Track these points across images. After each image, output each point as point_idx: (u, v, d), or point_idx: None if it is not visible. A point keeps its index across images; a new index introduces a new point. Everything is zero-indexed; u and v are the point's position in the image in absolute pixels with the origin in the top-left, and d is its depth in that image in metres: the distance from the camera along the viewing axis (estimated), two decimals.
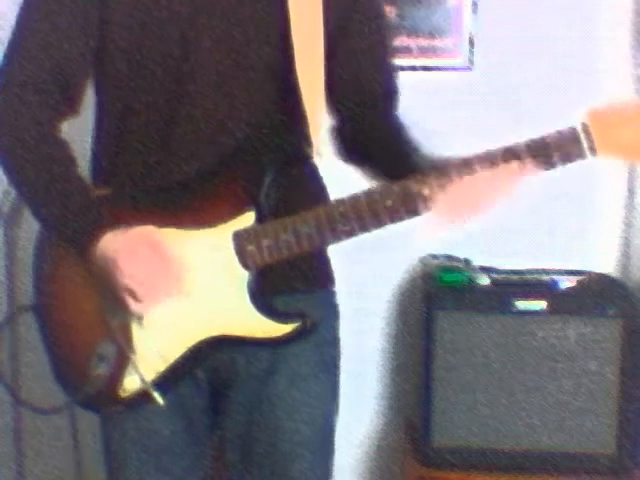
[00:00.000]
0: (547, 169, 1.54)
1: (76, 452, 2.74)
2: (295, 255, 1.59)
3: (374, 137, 1.73)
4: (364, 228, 1.57)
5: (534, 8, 2.83)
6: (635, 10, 2.86)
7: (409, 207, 1.56)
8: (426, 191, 1.55)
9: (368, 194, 1.57)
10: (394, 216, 1.56)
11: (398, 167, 1.62)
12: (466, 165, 1.54)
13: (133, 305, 1.56)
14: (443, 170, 1.55)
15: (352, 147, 1.75)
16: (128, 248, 1.54)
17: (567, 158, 1.53)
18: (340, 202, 1.59)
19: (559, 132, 1.53)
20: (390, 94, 1.78)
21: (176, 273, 1.57)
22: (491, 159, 1.53)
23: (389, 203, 1.56)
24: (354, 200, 1.57)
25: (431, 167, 1.57)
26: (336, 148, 1.77)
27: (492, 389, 2.65)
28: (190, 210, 1.62)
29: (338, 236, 1.58)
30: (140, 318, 1.60)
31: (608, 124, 1.51)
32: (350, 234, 1.58)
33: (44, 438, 2.86)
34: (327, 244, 1.62)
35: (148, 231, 1.57)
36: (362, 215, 1.56)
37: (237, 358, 1.70)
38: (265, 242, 1.59)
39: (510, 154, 1.53)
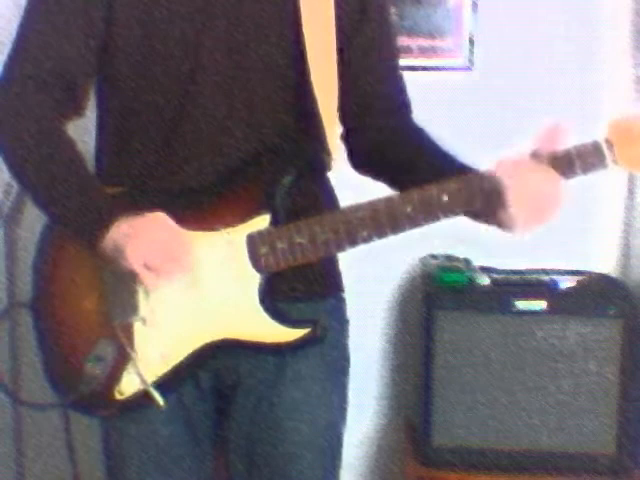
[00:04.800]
0: (567, 178, 1.55)
1: (71, 452, 2.73)
2: (309, 260, 1.58)
3: (389, 145, 1.72)
4: (382, 234, 1.56)
5: (534, 8, 2.83)
6: (635, 10, 2.86)
7: (429, 214, 1.55)
8: (445, 198, 1.55)
9: (387, 200, 1.56)
10: (413, 223, 1.56)
11: (419, 175, 1.61)
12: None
13: (146, 276, 1.52)
14: (466, 175, 1.55)
15: (364, 156, 1.74)
16: (141, 225, 1.53)
17: (589, 168, 1.55)
18: (358, 207, 1.57)
19: (582, 145, 1.55)
20: (401, 99, 1.78)
21: (187, 250, 1.54)
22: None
23: (409, 210, 1.55)
24: (372, 206, 1.56)
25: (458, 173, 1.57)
26: (347, 157, 1.77)
27: (492, 389, 2.65)
28: (204, 212, 1.61)
29: (354, 241, 1.56)
30: (144, 318, 1.60)
31: (630, 138, 1.53)
32: (367, 240, 1.56)
33: (44, 438, 2.85)
34: (343, 249, 1.59)
35: (159, 214, 1.55)
36: (380, 221, 1.55)
37: (242, 362, 1.70)
38: (279, 245, 1.57)
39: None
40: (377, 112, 1.76)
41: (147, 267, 1.52)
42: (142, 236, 1.52)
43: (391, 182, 1.69)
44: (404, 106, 1.79)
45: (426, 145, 1.71)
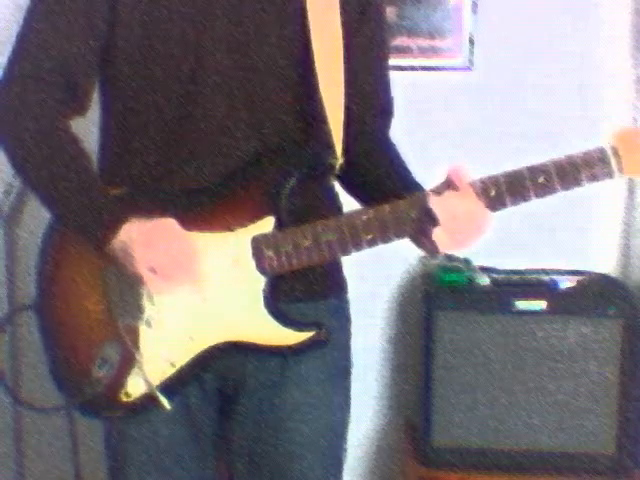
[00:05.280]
0: (573, 188, 1.56)
1: (75, 453, 2.73)
2: (314, 263, 1.58)
3: (364, 157, 1.72)
4: (386, 238, 1.56)
5: (534, 8, 2.83)
6: (635, 10, 2.86)
7: (433, 220, 1.54)
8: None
9: (393, 205, 1.56)
10: (417, 227, 1.56)
11: (382, 193, 1.61)
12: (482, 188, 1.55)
13: (154, 283, 1.54)
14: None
15: (355, 158, 1.72)
16: (152, 232, 1.53)
17: (595, 178, 1.55)
18: (363, 211, 1.58)
19: (587, 152, 1.54)
20: (386, 109, 1.78)
21: (196, 259, 1.55)
22: (519, 179, 1.54)
23: (414, 214, 1.55)
24: (378, 210, 1.56)
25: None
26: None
27: (492, 389, 2.65)
28: (209, 214, 1.61)
29: (359, 245, 1.57)
30: (149, 321, 1.60)
31: (634, 146, 1.53)
32: (372, 243, 1.57)
33: (44, 438, 2.85)
34: (348, 253, 1.59)
35: (170, 221, 1.55)
36: (386, 225, 1.55)
37: (247, 364, 1.69)
38: (284, 248, 1.58)
39: (538, 173, 1.54)
40: (376, 112, 1.76)
41: (155, 274, 1.53)
42: (153, 245, 1.52)
43: (360, 189, 1.71)
44: (391, 111, 1.79)
45: (395, 162, 1.72)
